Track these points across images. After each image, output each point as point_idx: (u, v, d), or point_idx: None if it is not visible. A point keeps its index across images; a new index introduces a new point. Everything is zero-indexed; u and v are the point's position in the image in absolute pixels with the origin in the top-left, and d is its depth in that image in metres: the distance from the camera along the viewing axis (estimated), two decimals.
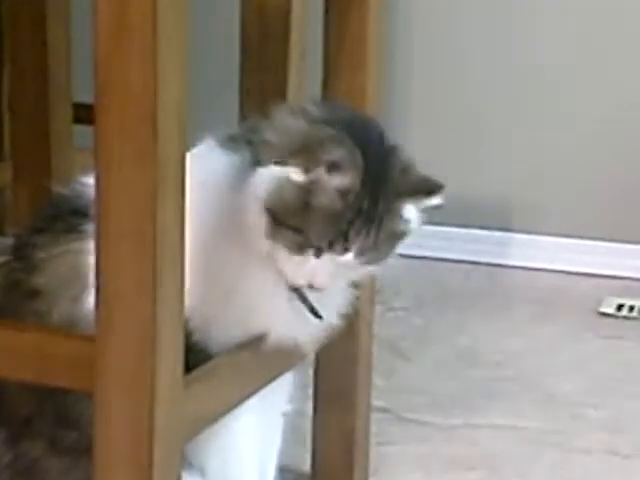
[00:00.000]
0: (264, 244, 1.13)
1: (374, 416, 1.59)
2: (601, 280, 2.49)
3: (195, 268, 1.10)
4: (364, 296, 1.41)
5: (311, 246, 1.13)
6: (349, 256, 1.14)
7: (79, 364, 1.02)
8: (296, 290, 1.18)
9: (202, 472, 1.23)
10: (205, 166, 1.17)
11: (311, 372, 1.50)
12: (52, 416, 1.17)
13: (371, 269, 1.19)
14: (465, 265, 2.58)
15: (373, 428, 1.58)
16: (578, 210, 2.60)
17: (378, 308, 1.58)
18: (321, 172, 1.12)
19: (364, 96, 1.52)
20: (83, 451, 1.12)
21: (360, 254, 1.15)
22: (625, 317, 2.27)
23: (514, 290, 2.47)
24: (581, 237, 2.58)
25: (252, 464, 1.28)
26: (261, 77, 1.59)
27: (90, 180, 1.07)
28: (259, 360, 1.22)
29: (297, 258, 1.13)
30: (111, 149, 0.99)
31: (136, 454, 1.01)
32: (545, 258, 2.57)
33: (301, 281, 1.15)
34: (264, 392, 1.26)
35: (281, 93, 1.58)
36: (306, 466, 1.53)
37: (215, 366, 1.16)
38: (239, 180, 1.16)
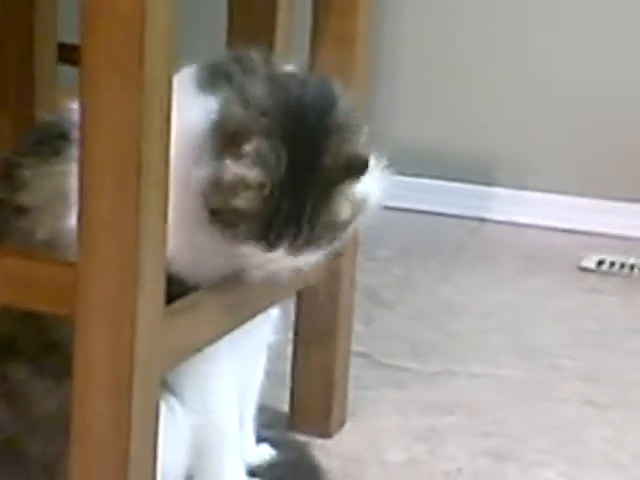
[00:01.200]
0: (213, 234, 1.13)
1: (353, 361, 1.59)
2: (583, 236, 2.50)
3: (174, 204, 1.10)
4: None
5: (250, 241, 1.12)
6: (278, 255, 1.13)
7: (60, 289, 1.01)
8: None
9: (182, 402, 1.23)
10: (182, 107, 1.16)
11: (292, 316, 1.50)
12: (35, 338, 1.17)
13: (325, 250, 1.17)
14: (449, 219, 2.58)
15: (352, 372, 1.58)
16: (563, 166, 2.60)
17: (360, 258, 1.57)
18: (241, 166, 1.10)
19: (353, 42, 1.51)
20: (66, 374, 1.10)
21: (294, 251, 1.13)
22: (605, 272, 2.28)
23: (497, 244, 2.47)
24: (564, 193, 2.59)
25: (232, 396, 1.28)
26: (250, 21, 1.57)
27: (76, 106, 1.06)
28: (241, 295, 1.22)
29: (246, 250, 1.13)
30: (97, 73, 0.97)
31: (115, 382, 1.01)
32: (528, 213, 2.57)
33: (260, 268, 1.15)
34: (247, 327, 1.26)
35: (269, 37, 1.57)
36: (284, 406, 1.54)
37: (197, 299, 1.16)
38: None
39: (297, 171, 1.11)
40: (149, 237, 0.99)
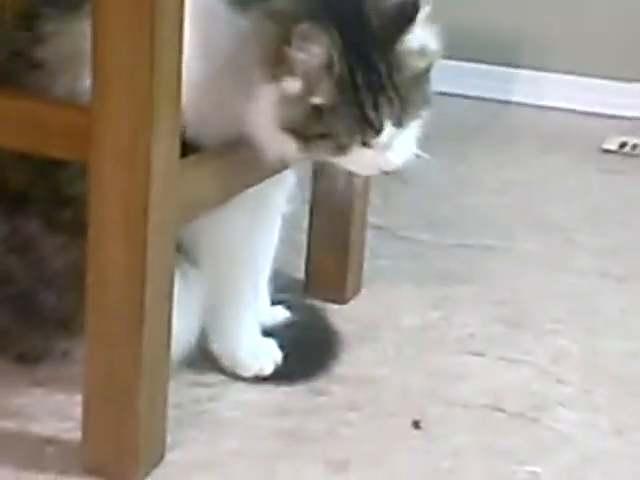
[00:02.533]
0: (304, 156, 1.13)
1: (369, 233, 1.59)
2: (606, 119, 2.48)
3: (192, 68, 1.08)
4: None
5: (348, 144, 1.11)
6: (388, 132, 1.12)
7: (74, 134, 1.01)
8: None
9: (197, 264, 1.24)
10: None
11: (309, 187, 1.50)
12: (47, 194, 1.17)
13: (418, 122, 1.17)
14: (470, 100, 2.56)
15: (367, 244, 1.59)
16: (587, 49, 2.56)
17: None
18: (304, 54, 1.08)
19: None
20: (77, 229, 1.12)
21: (398, 121, 1.13)
22: (627, 154, 2.26)
23: (518, 126, 2.45)
24: (588, 76, 2.55)
25: (246, 260, 1.29)
26: None
27: None
28: (254, 155, 1.21)
29: (350, 157, 1.13)
30: None
31: (129, 227, 1.01)
32: (551, 95, 2.55)
33: (369, 172, 1.17)
34: (261, 191, 1.26)
35: None
36: (300, 273, 1.55)
37: (211, 155, 1.15)
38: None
39: (354, 40, 1.10)
40: (164, 80, 0.98)
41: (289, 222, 1.37)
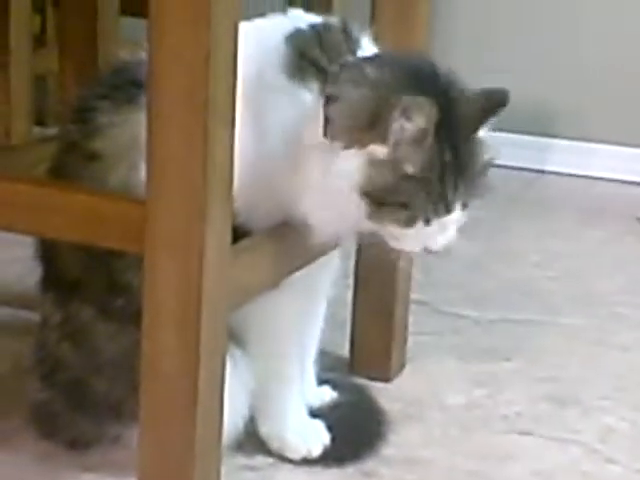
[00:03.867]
0: (367, 224, 1.14)
1: (411, 308, 1.60)
2: None
3: (243, 155, 1.11)
4: None
5: (419, 218, 1.13)
6: (456, 214, 1.15)
7: (129, 226, 1.03)
8: None
9: (245, 348, 1.25)
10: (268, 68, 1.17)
11: (352, 262, 1.52)
12: (101, 281, 1.19)
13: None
14: (506, 170, 2.57)
15: (410, 319, 1.60)
16: (623, 118, 2.58)
17: None
18: (397, 128, 1.10)
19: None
20: (130, 317, 1.14)
21: (464, 205, 1.16)
22: None
23: (555, 196, 2.46)
24: (623, 145, 2.57)
25: (293, 343, 1.30)
26: None
27: None
28: (304, 238, 1.23)
29: (409, 232, 1.14)
30: (165, 13, 0.98)
31: (184, 316, 1.02)
32: (587, 165, 2.56)
33: (416, 249, 1.17)
34: (309, 274, 1.28)
35: None
36: (344, 351, 1.55)
37: (261, 239, 1.17)
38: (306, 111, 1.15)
39: (445, 124, 1.12)
40: (217, 172, 1.00)
41: (333, 299, 1.38)
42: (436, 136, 1.12)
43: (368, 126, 1.12)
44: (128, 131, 1.17)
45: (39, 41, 2.27)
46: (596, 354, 1.66)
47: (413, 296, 1.61)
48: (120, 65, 1.25)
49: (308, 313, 1.34)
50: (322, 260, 1.30)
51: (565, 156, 2.59)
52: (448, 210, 1.14)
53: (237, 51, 1.01)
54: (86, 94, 1.24)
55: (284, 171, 1.16)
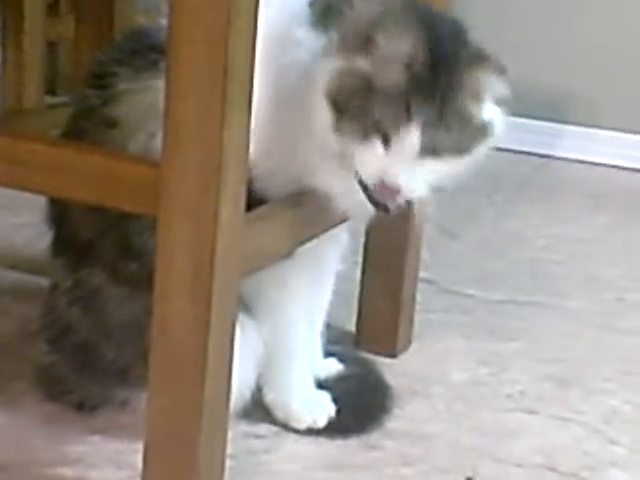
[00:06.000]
0: (332, 140, 1.13)
1: (418, 287, 1.60)
2: None
3: (261, 120, 1.11)
4: None
5: (376, 128, 1.11)
6: (414, 129, 1.11)
7: (144, 188, 1.03)
8: (357, 176, 1.17)
9: (254, 316, 1.25)
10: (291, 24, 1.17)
11: (361, 239, 1.52)
12: (113, 246, 1.19)
13: (447, 168, 1.15)
14: (516, 155, 2.57)
15: (417, 297, 1.60)
16: (633, 105, 2.57)
17: None
18: (384, 47, 1.10)
19: None
20: (142, 282, 1.14)
21: (426, 132, 1.11)
22: None
23: (564, 181, 2.46)
24: (633, 132, 2.56)
25: (301, 314, 1.31)
26: None
27: None
28: (316, 209, 1.23)
29: (366, 150, 1.12)
30: None
31: (196, 280, 1.02)
32: (596, 151, 2.56)
33: (373, 176, 1.12)
34: (318, 247, 1.28)
35: None
36: (351, 326, 1.56)
37: (275, 208, 1.17)
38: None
39: (434, 52, 1.11)
40: (233, 137, 1.00)
41: (340, 275, 1.39)
42: (420, 68, 1.11)
43: (359, 45, 1.11)
44: (148, 98, 1.17)
45: (52, 9, 2.26)
46: (601, 337, 1.67)
47: (420, 275, 1.61)
48: (138, 30, 1.25)
49: (317, 285, 1.34)
50: (332, 233, 1.30)
51: (574, 142, 2.59)
52: (408, 121, 1.11)
53: (257, 15, 1.01)
54: (104, 59, 1.23)
55: (300, 132, 1.15)
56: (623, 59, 2.57)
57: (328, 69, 1.12)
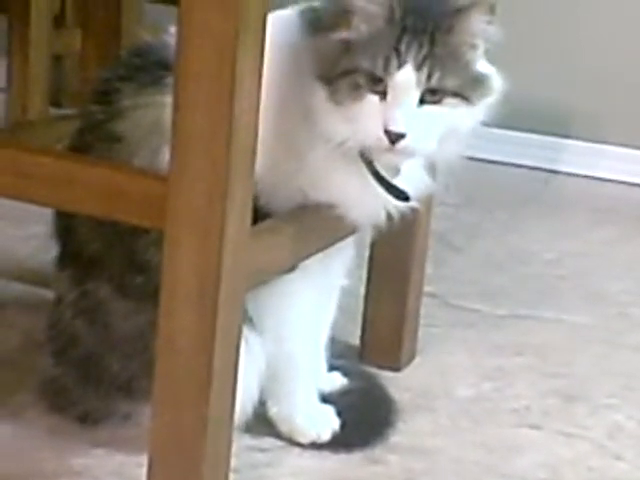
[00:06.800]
0: (333, 123, 1.13)
1: (422, 300, 1.60)
2: None
3: (267, 134, 1.11)
4: None
5: (367, 81, 1.11)
6: (408, 70, 1.11)
7: (151, 202, 1.03)
8: (372, 168, 1.18)
9: (259, 331, 1.26)
10: (285, 34, 1.17)
11: (366, 254, 1.52)
12: (119, 259, 1.19)
13: (451, 117, 1.13)
14: (520, 169, 2.58)
15: (421, 311, 1.60)
16: (637, 120, 2.57)
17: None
18: (363, 7, 1.11)
19: None
20: (147, 296, 1.14)
21: (419, 67, 1.11)
22: None
23: (568, 196, 2.46)
24: (638, 147, 2.56)
25: (306, 328, 1.31)
26: None
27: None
28: (322, 222, 1.23)
29: (364, 108, 1.11)
30: None
31: (202, 294, 1.03)
32: (600, 167, 2.56)
33: (379, 132, 1.11)
34: (324, 261, 1.28)
35: None
36: (355, 340, 1.56)
37: (280, 222, 1.18)
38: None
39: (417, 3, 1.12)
40: (240, 151, 1.00)
41: (345, 289, 1.39)
42: (404, 13, 1.11)
43: (338, 21, 1.13)
44: (152, 114, 1.17)
45: (58, 22, 2.27)
46: (605, 353, 1.66)
47: (425, 289, 1.61)
48: (143, 46, 1.25)
49: (322, 298, 1.34)
50: (338, 247, 1.30)
51: (579, 157, 2.59)
52: (400, 63, 1.10)
53: (265, 30, 1.01)
54: (109, 75, 1.24)
55: (307, 138, 1.16)
56: (629, 74, 2.57)
57: (311, 50, 1.13)
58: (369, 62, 1.11)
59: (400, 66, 1.11)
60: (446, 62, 1.12)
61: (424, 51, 1.11)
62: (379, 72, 1.11)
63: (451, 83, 1.13)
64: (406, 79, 1.11)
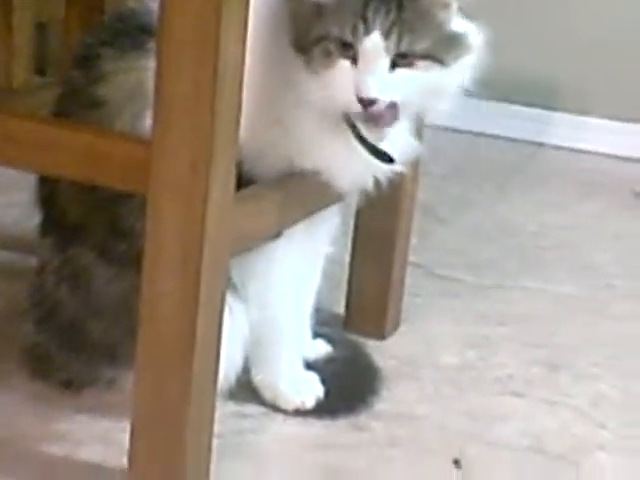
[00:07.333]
0: (311, 90, 1.13)
1: (407, 270, 1.60)
2: None
3: (250, 100, 1.10)
4: None
5: (337, 46, 1.11)
6: (376, 36, 1.10)
7: (133, 167, 1.03)
8: (355, 132, 1.17)
9: (243, 297, 1.26)
10: None
11: (352, 222, 1.52)
12: (103, 226, 1.19)
13: (425, 80, 1.13)
14: (506, 142, 2.57)
15: (406, 281, 1.60)
16: (624, 93, 2.57)
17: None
18: None
19: None
20: (130, 262, 1.14)
21: (387, 33, 1.11)
22: None
23: (554, 168, 2.46)
24: (623, 120, 2.56)
25: (290, 294, 1.31)
26: None
27: None
28: (307, 189, 1.23)
29: (337, 74, 1.12)
30: None
31: (185, 259, 1.02)
32: (586, 139, 2.56)
33: (351, 97, 1.11)
34: (309, 228, 1.28)
35: None
36: (340, 309, 1.56)
37: (265, 188, 1.17)
38: None
39: None
40: (223, 117, 1.00)
41: (330, 257, 1.39)
42: None
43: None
44: (133, 78, 1.16)
45: None
46: (590, 323, 1.67)
47: (410, 259, 1.61)
48: (125, 11, 1.24)
49: (307, 265, 1.34)
50: (323, 214, 1.30)
51: (565, 130, 2.58)
52: (367, 30, 1.10)
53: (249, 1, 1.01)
54: (90, 40, 1.23)
55: (292, 103, 1.15)
56: (614, 47, 2.57)
57: (287, 15, 1.13)
58: (338, 29, 1.11)
59: (367, 32, 1.11)
60: (415, 25, 1.12)
61: (391, 17, 1.11)
62: (348, 38, 1.11)
63: (421, 46, 1.12)
64: (374, 45, 1.11)
